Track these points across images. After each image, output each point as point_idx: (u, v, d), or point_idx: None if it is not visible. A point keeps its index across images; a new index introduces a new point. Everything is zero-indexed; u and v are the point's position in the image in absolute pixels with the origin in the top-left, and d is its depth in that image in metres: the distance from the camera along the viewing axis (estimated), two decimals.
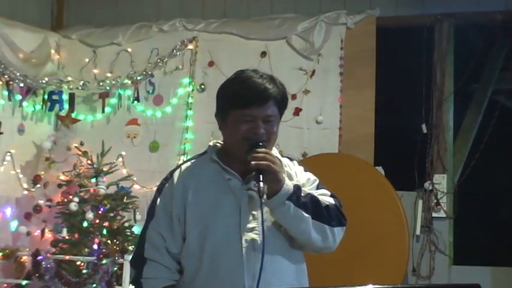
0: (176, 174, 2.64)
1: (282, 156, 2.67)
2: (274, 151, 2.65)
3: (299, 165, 2.71)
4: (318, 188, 2.66)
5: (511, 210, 6.36)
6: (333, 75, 5.67)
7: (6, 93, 5.70)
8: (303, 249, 2.64)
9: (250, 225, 2.52)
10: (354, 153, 5.46)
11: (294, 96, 5.67)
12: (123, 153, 5.85)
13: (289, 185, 2.49)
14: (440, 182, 5.50)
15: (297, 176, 2.64)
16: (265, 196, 2.46)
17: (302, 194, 2.52)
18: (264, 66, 5.75)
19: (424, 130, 5.56)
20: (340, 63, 5.68)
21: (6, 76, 5.65)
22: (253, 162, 2.45)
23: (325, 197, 2.62)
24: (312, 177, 2.69)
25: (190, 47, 5.98)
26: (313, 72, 5.71)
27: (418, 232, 5.46)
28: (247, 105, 2.52)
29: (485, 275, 5.36)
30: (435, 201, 5.48)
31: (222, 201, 2.54)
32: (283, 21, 5.85)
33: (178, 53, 5.98)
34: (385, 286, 1.99)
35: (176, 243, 2.58)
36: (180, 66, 5.97)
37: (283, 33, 5.80)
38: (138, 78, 5.97)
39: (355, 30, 5.69)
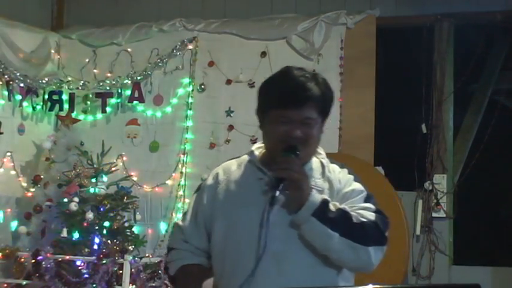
0: (214, 171, 2.62)
1: (331, 163, 2.55)
2: (322, 156, 2.56)
3: (349, 173, 2.53)
4: (365, 201, 2.45)
5: (511, 210, 6.35)
6: (333, 75, 5.66)
7: (6, 93, 5.69)
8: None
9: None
10: (354, 153, 5.45)
11: None
12: (123, 153, 5.86)
13: (315, 199, 2.32)
14: (440, 182, 5.50)
15: (340, 183, 2.48)
16: (277, 205, 2.35)
17: (332, 209, 2.33)
18: (264, 66, 5.75)
19: (424, 130, 5.56)
20: (340, 63, 5.68)
21: (6, 76, 5.65)
22: (273, 171, 2.34)
23: (365, 212, 2.39)
24: (359, 188, 2.48)
25: (190, 47, 5.98)
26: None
27: (418, 232, 5.47)
28: (284, 106, 2.41)
29: (485, 275, 5.37)
30: (435, 201, 5.48)
31: (249, 201, 2.44)
32: (283, 21, 5.84)
33: (178, 53, 5.98)
34: (385, 286, 1.98)
35: (200, 237, 2.56)
36: (180, 66, 5.97)
37: (283, 33, 5.80)
38: (138, 78, 5.98)
39: (355, 30, 5.69)
